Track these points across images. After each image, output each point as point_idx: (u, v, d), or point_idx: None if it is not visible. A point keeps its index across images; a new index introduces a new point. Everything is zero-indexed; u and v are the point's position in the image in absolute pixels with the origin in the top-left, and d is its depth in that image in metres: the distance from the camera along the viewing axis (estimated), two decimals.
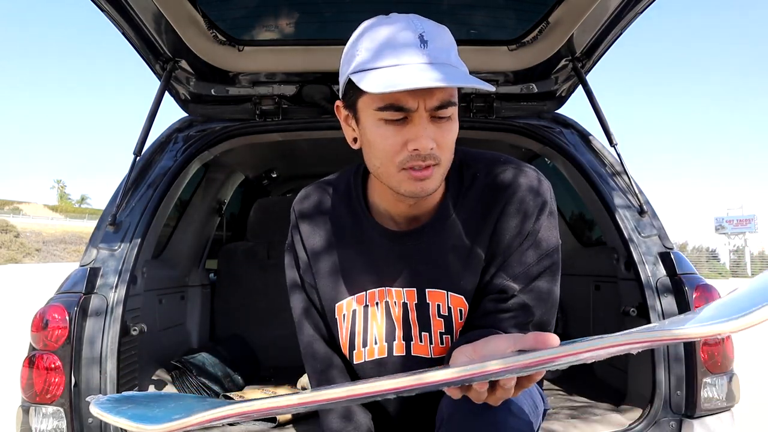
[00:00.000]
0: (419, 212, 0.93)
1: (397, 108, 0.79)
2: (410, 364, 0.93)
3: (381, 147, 0.82)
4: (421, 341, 0.94)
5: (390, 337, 0.95)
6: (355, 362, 0.98)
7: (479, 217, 0.91)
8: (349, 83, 0.82)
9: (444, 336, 0.92)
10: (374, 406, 1.08)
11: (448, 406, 0.83)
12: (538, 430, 0.97)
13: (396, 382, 0.54)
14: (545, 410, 1.01)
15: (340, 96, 0.89)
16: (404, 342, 0.94)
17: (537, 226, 0.89)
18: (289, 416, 1.65)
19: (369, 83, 0.76)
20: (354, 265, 0.96)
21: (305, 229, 1.01)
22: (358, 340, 0.96)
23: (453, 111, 0.82)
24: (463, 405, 0.74)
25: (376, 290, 0.95)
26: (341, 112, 0.90)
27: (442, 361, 0.93)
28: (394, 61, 0.76)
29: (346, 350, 0.98)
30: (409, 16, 0.81)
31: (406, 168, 0.81)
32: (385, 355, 0.95)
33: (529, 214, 0.89)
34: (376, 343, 0.95)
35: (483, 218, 0.91)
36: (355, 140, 0.89)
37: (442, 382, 0.55)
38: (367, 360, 0.96)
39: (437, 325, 0.92)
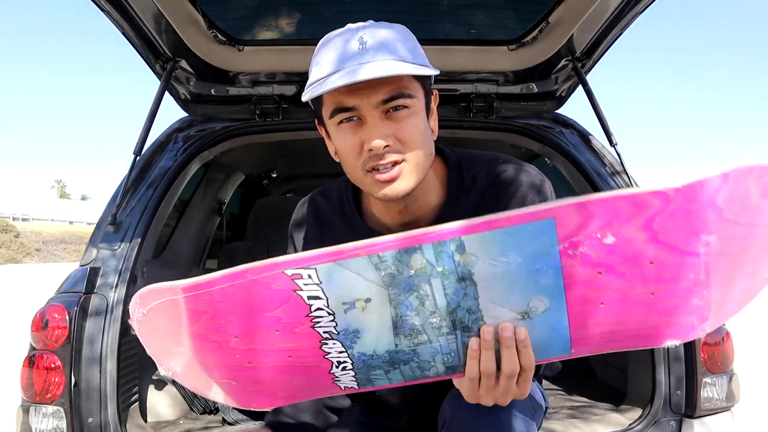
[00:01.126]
0: (414, 217, 0.92)
1: (342, 109, 0.80)
2: None
3: (344, 152, 0.83)
4: None
5: None
6: None
7: None
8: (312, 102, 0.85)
9: None
10: (380, 402, 1.08)
11: (450, 408, 0.83)
12: (539, 429, 0.97)
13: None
14: (546, 408, 1.01)
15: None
16: None
17: None
18: None
19: (306, 95, 0.80)
20: None
21: (299, 241, 1.02)
22: None
23: (412, 103, 0.81)
24: (465, 406, 0.74)
25: None
26: (321, 130, 0.92)
27: None
28: (334, 68, 0.78)
29: None
30: (359, 23, 0.82)
31: (370, 170, 0.81)
32: None
33: None
34: None
35: None
36: (335, 153, 0.89)
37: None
38: None
39: None
